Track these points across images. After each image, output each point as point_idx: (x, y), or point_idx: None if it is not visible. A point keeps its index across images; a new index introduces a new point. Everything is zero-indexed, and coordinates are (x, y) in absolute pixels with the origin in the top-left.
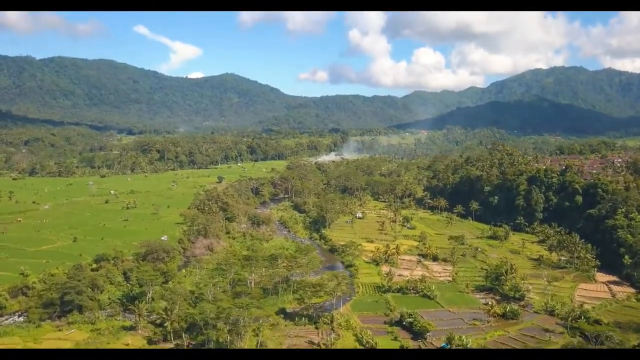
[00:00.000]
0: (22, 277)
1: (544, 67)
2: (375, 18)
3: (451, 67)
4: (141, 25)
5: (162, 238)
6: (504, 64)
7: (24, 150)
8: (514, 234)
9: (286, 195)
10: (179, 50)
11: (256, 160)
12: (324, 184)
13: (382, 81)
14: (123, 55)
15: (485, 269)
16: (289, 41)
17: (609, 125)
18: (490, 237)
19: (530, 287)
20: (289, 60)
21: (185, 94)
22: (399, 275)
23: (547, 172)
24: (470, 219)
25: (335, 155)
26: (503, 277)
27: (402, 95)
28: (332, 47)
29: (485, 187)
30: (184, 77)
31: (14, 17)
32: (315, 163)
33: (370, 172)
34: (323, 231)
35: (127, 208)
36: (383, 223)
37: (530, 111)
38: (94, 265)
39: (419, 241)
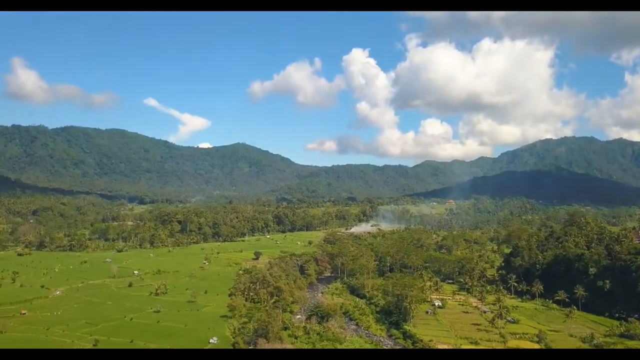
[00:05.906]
0: None
1: (554, 137)
2: (384, 91)
3: (459, 138)
4: (151, 97)
5: (211, 340)
6: (512, 134)
7: (31, 221)
8: None
9: (333, 274)
10: (187, 121)
11: (284, 231)
12: (375, 261)
13: (390, 151)
14: (134, 125)
15: None
16: (299, 113)
17: (633, 195)
18: (623, 336)
19: None
20: (299, 131)
21: (195, 164)
22: None
23: None
24: (575, 308)
25: (371, 226)
26: None
27: (412, 165)
28: (340, 119)
29: (590, 269)
30: (195, 146)
31: (32, 89)
32: (351, 234)
33: (421, 246)
34: (405, 327)
35: (156, 294)
36: (493, 319)
37: (549, 181)
38: None
39: (537, 342)
